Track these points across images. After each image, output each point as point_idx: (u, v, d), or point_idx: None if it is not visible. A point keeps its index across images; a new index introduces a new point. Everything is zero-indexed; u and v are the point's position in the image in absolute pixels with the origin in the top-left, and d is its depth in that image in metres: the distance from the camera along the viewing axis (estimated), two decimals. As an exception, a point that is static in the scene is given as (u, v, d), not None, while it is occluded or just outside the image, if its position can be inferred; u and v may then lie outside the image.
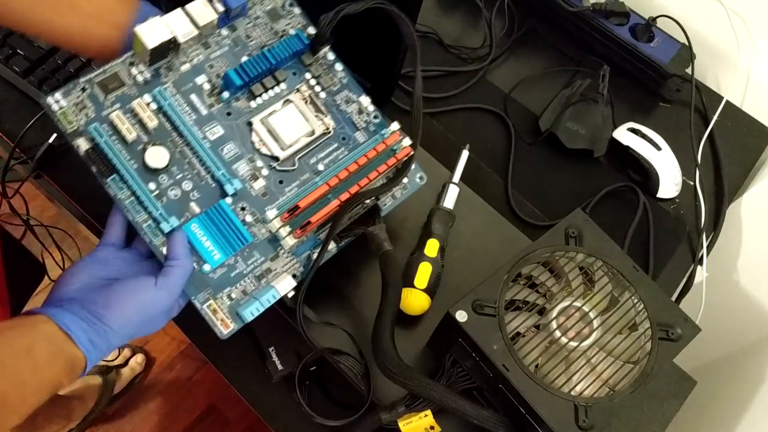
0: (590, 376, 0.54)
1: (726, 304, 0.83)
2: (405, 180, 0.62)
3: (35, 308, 0.48)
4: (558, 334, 0.56)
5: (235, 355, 0.63)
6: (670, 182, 0.80)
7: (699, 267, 0.77)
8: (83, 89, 0.53)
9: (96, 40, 0.55)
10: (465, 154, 0.74)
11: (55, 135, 0.70)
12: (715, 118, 0.86)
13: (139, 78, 0.55)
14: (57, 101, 0.52)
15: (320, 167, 0.59)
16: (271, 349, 0.61)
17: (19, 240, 0.88)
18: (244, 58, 0.58)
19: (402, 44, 0.62)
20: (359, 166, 0.56)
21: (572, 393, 0.53)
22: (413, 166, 0.62)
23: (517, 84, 0.86)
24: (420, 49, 0.78)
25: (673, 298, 0.76)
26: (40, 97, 0.72)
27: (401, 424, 0.57)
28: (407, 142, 0.60)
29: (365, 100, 0.62)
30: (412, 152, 0.59)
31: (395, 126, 0.59)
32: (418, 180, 0.63)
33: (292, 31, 0.60)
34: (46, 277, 0.92)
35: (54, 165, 0.70)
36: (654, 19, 0.86)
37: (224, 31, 0.59)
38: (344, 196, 0.55)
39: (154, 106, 0.55)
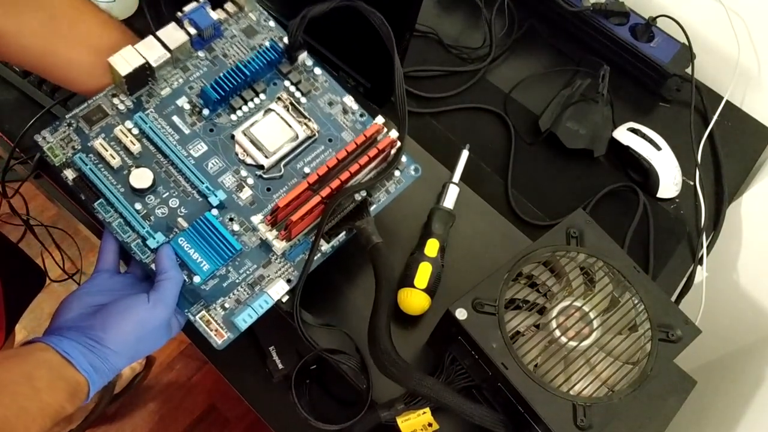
0: (589, 376, 0.54)
1: (726, 304, 0.83)
2: (397, 173, 0.61)
3: (34, 337, 0.48)
4: (558, 333, 0.56)
5: (235, 355, 0.63)
6: (670, 182, 0.80)
7: (699, 267, 0.77)
8: (69, 124, 0.56)
9: (104, 74, 0.56)
10: (465, 154, 0.74)
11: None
12: (715, 118, 0.86)
13: (121, 107, 0.57)
14: (44, 137, 0.55)
15: (307, 170, 0.59)
16: (271, 348, 0.61)
17: (16, 244, 0.87)
18: (221, 74, 0.59)
19: (401, 44, 0.62)
20: (339, 161, 0.55)
21: (571, 392, 0.53)
22: (405, 159, 0.61)
23: (517, 84, 0.86)
24: (419, 49, 0.78)
25: (673, 298, 0.76)
26: (40, 98, 0.72)
27: (400, 421, 0.57)
28: (394, 134, 0.59)
29: (349, 100, 0.62)
30: (400, 144, 0.59)
31: (380, 119, 0.59)
32: (412, 172, 0.62)
33: (267, 44, 0.61)
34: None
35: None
36: (654, 19, 0.86)
37: (201, 53, 0.61)
38: (325, 192, 0.54)
39: (136, 131, 0.57)
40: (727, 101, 0.88)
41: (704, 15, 0.88)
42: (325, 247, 0.57)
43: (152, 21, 0.76)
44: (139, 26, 0.77)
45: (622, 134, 0.81)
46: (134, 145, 0.55)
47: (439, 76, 0.85)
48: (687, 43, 0.87)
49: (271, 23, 0.63)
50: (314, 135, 0.60)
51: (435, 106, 0.82)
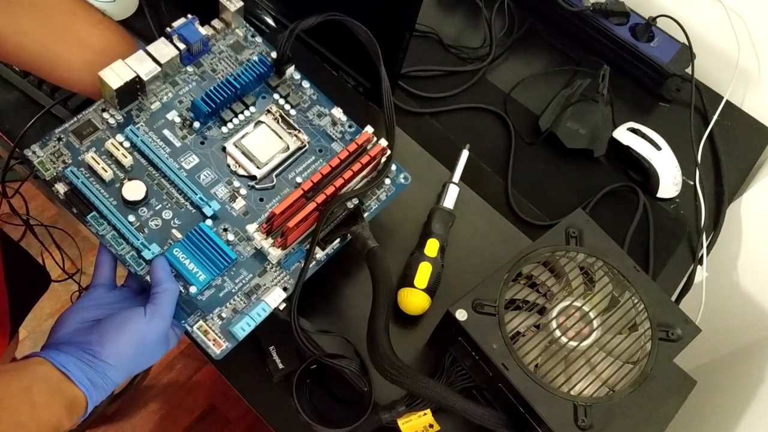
0: (590, 376, 0.54)
1: (726, 304, 0.83)
2: (387, 181, 0.62)
3: (32, 353, 0.48)
4: (558, 333, 0.56)
5: (235, 355, 0.63)
6: (670, 182, 0.80)
7: (699, 267, 0.77)
8: (59, 139, 0.56)
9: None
10: (465, 154, 0.74)
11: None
12: (715, 118, 0.86)
13: (112, 121, 0.57)
14: (34, 152, 0.55)
15: (299, 180, 0.59)
16: (271, 348, 0.61)
17: (18, 243, 0.87)
18: (211, 87, 0.59)
19: (401, 44, 0.62)
20: (332, 169, 0.56)
21: (572, 393, 0.53)
22: (395, 167, 0.62)
23: (517, 84, 0.86)
24: (418, 49, 0.78)
25: (673, 298, 0.76)
26: (40, 98, 0.72)
27: (401, 422, 0.57)
28: (384, 142, 0.59)
29: (337, 112, 0.63)
30: (389, 152, 0.59)
31: (369, 129, 0.59)
32: (402, 180, 0.62)
33: (255, 58, 0.62)
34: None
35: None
36: (654, 19, 0.86)
37: (190, 68, 0.61)
38: (320, 198, 0.54)
39: (127, 144, 0.57)
40: (727, 101, 0.88)
41: (704, 15, 0.88)
42: (320, 254, 0.57)
43: (152, 21, 0.76)
44: (139, 26, 0.77)
45: (622, 134, 0.81)
46: (126, 158, 0.55)
47: (439, 76, 0.85)
48: (687, 43, 0.87)
49: (258, 39, 0.64)
50: (304, 146, 0.61)
51: (435, 106, 0.82)
